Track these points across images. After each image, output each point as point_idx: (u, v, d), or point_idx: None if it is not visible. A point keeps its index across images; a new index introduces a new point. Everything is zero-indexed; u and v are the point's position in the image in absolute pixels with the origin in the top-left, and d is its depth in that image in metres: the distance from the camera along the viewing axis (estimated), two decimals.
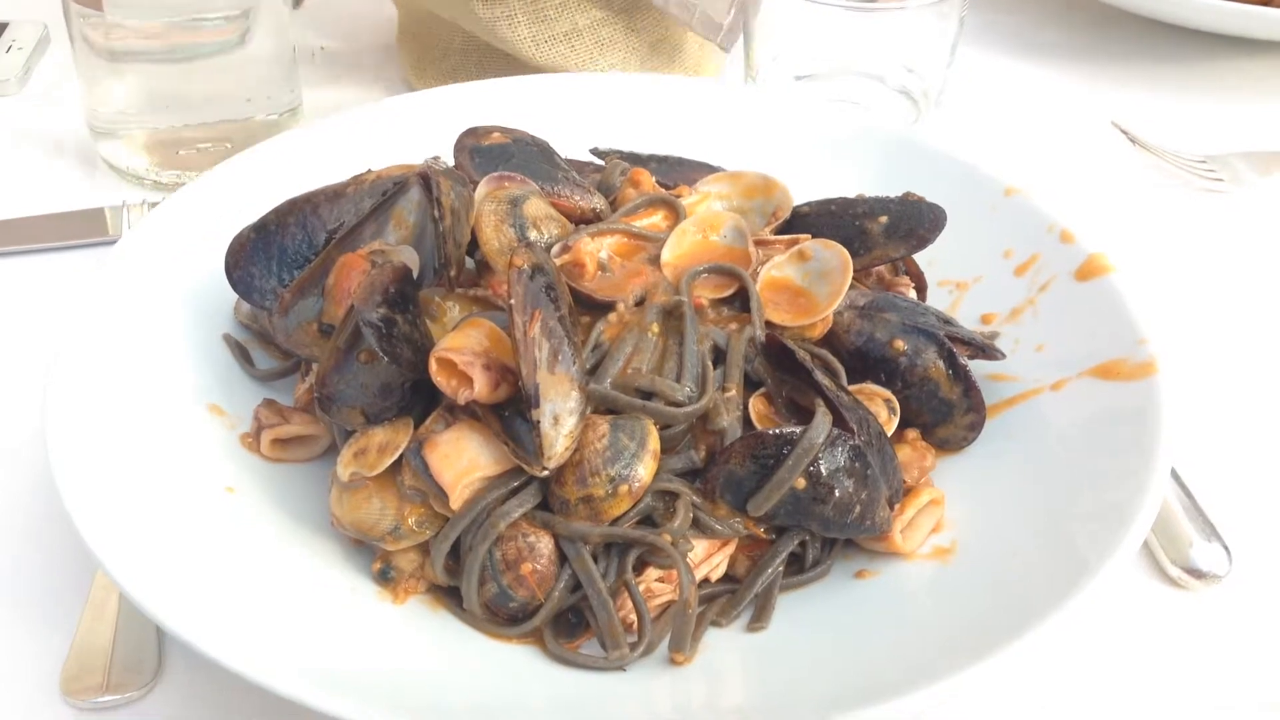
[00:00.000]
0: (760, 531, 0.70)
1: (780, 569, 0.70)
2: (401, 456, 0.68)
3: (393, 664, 0.64)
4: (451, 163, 0.83)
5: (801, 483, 0.67)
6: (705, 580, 0.69)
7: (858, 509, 0.68)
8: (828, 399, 0.69)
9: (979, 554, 0.70)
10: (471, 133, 0.86)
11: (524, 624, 0.67)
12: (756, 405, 0.71)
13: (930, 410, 0.76)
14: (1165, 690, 0.71)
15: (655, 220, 0.81)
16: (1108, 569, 0.63)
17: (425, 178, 0.76)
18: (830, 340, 0.77)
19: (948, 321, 0.79)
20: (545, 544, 0.67)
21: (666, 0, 1.07)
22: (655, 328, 0.72)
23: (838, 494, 0.67)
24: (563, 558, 0.67)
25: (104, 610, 0.72)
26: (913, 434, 0.76)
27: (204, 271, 0.82)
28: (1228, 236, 1.06)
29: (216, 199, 0.87)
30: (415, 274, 0.74)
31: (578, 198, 0.80)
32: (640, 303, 0.74)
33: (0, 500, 0.79)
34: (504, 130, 0.86)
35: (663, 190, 0.83)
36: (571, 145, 0.90)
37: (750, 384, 0.72)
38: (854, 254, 0.77)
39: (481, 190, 0.78)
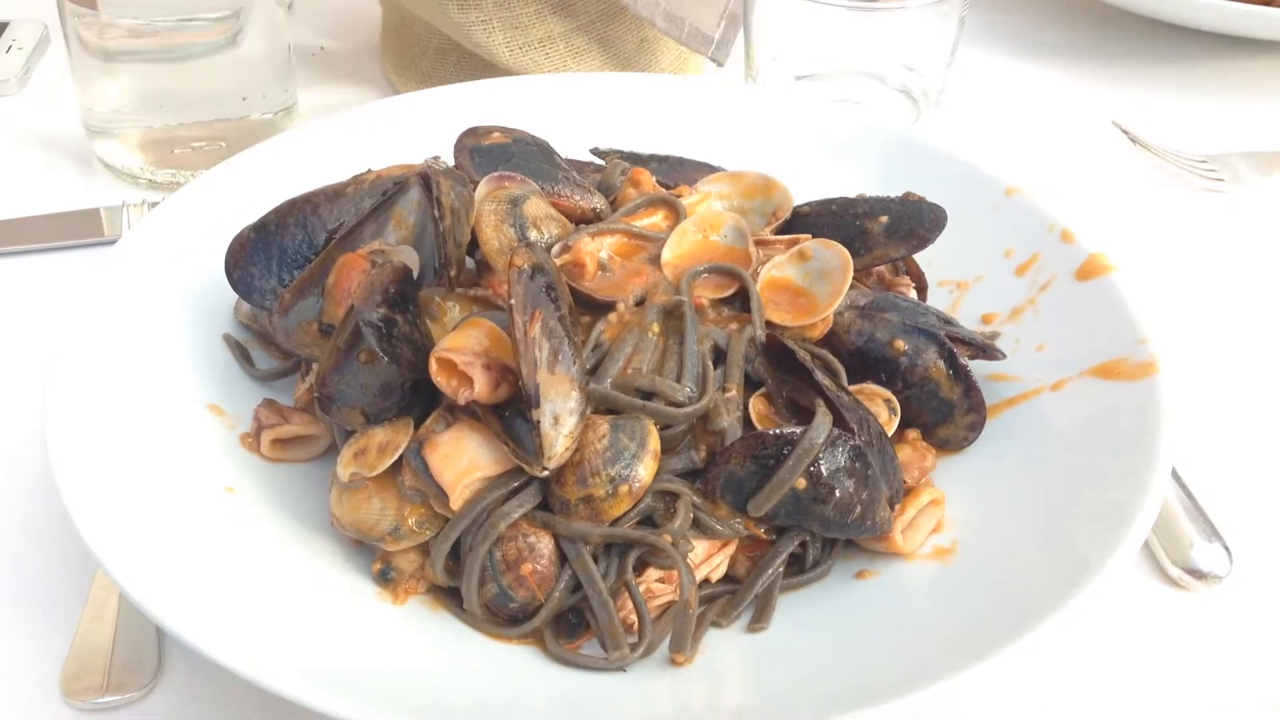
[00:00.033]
0: (760, 532, 0.70)
1: (781, 569, 0.70)
2: (401, 457, 0.68)
3: (393, 664, 0.64)
4: (451, 163, 0.83)
5: (802, 483, 0.67)
6: (706, 581, 0.69)
7: (858, 509, 0.68)
8: (828, 399, 0.69)
9: (979, 554, 0.70)
10: (471, 132, 0.86)
11: (524, 624, 0.67)
12: (757, 405, 0.71)
13: (931, 410, 0.76)
14: (1166, 690, 0.71)
15: (655, 220, 0.81)
16: (1108, 569, 0.63)
17: (425, 177, 0.76)
18: (830, 340, 0.77)
19: (948, 321, 0.79)
20: (545, 544, 0.67)
21: (654, 13, 1.06)
22: (655, 328, 0.72)
23: (838, 494, 0.67)
24: (563, 558, 0.67)
25: (104, 610, 0.72)
26: (913, 434, 0.76)
27: (204, 271, 0.82)
28: (1228, 236, 1.06)
29: (216, 199, 0.87)
30: (415, 274, 0.74)
31: (578, 198, 0.80)
32: (640, 303, 0.74)
33: (0, 500, 0.79)
34: (504, 130, 0.86)
35: (663, 190, 0.83)
36: (571, 145, 0.90)
37: (750, 384, 0.72)
38: (854, 254, 0.77)
39: (482, 190, 0.78)
